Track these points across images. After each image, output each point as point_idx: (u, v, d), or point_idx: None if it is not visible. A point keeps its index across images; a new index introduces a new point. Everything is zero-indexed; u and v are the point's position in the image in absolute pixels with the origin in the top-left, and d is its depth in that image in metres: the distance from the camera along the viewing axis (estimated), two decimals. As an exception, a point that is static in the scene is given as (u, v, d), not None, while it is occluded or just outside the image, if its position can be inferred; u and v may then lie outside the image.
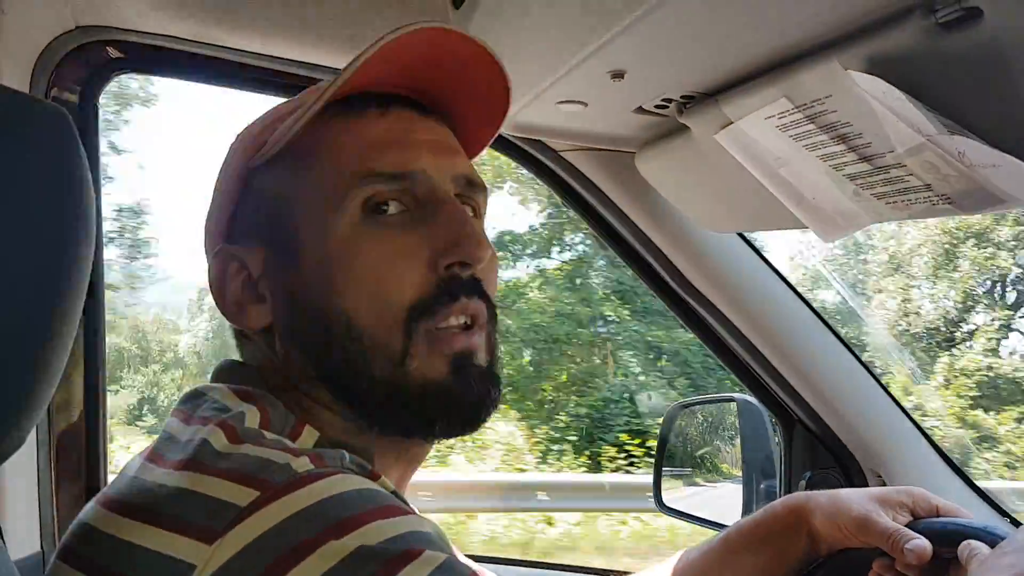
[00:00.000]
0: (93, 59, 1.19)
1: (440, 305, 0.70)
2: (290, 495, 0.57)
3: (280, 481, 0.58)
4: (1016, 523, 1.35)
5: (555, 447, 9.28)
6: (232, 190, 0.77)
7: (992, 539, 0.84)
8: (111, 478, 1.24)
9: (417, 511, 0.64)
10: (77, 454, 1.22)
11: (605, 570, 1.74)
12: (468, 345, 0.72)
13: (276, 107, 0.79)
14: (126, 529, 0.61)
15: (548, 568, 1.72)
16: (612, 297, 11.19)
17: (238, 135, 0.78)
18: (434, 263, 0.70)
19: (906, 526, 0.91)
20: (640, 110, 1.09)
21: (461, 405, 0.71)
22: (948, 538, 0.88)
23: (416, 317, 0.69)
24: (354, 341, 0.70)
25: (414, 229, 0.71)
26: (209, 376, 0.79)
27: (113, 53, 1.20)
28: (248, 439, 0.63)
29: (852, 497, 0.95)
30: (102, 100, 1.22)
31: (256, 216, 0.76)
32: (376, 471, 0.65)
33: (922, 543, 0.87)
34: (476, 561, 1.07)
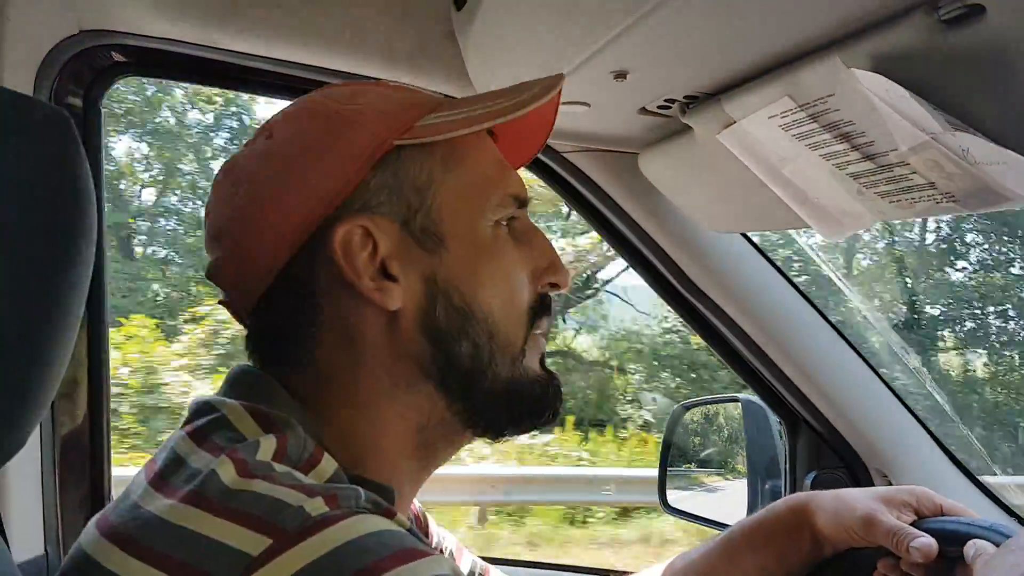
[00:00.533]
0: (97, 63, 1.20)
1: (541, 315, 0.79)
2: (304, 542, 0.55)
3: (293, 528, 0.55)
4: (1022, 522, 1.35)
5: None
6: (365, 158, 0.73)
7: (998, 538, 0.83)
8: (114, 481, 1.25)
9: (432, 549, 0.64)
10: (81, 457, 1.22)
11: (607, 570, 1.74)
12: (545, 347, 0.82)
13: (407, 90, 0.81)
14: (124, 567, 0.58)
15: (555, 569, 1.72)
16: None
17: (361, 103, 0.76)
18: (535, 279, 0.79)
19: (911, 525, 0.91)
20: (643, 111, 1.09)
21: (560, 398, 0.81)
22: (953, 537, 0.88)
23: (531, 321, 0.78)
24: (488, 336, 0.74)
25: (519, 245, 0.79)
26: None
27: (117, 57, 1.20)
28: (258, 473, 0.60)
29: (856, 497, 0.95)
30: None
31: (393, 193, 0.73)
32: (392, 509, 0.62)
33: (927, 541, 0.87)
34: (489, 562, 1.07)
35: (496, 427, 0.78)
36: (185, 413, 0.72)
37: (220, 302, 0.80)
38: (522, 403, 0.77)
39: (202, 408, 0.70)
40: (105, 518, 0.64)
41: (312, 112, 0.76)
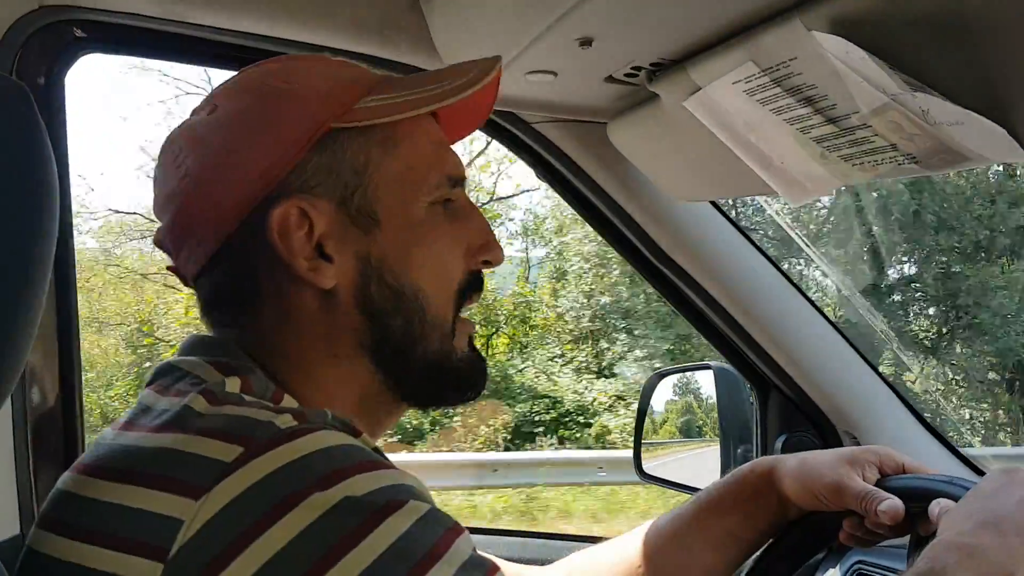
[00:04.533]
0: (59, 39, 1.18)
1: (471, 293, 0.81)
2: (275, 450, 0.59)
3: (264, 437, 0.60)
4: (982, 475, 1.38)
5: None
6: (304, 140, 0.74)
7: (958, 491, 0.85)
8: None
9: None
10: (54, 437, 1.21)
11: (581, 536, 1.75)
12: (474, 329, 0.84)
13: (346, 67, 0.81)
14: (107, 491, 0.62)
15: (530, 536, 1.74)
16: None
17: (300, 82, 0.77)
18: (468, 257, 0.81)
19: (876, 483, 0.93)
20: (610, 79, 1.09)
21: (484, 376, 0.84)
22: (916, 493, 0.90)
23: (460, 300, 0.80)
24: (419, 313, 0.77)
25: (455, 223, 0.80)
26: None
27: (79, 33, 1.18)
28: (229, 401, 0.65)
29: (822, 461, 0.96)
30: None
31: (331, 174, 0.75)
32: (358, 428, 0.67)
33: (894, 503, 0.89)
34: (478, 533, 1.08)
35: (423, 399, 0.82)
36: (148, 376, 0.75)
37: (168, 268, 0.82)
38: (447, 378, 0.80)
39: (164, 368, 0.74)
40: (80, 462, 0.68)
41: (252, 89, 0.78)
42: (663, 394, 1.71)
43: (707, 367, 1.59)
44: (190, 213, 0.75)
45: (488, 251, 0.82)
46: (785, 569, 1.01)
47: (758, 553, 1.02)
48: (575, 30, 0.93)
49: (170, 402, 0.67)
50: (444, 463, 7.56)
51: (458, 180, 0.81)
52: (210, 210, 0.74)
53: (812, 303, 1.45)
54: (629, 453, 1.66)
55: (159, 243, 0.81)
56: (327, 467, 0.59)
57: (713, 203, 1.40)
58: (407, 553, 0.58)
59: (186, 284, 0.81)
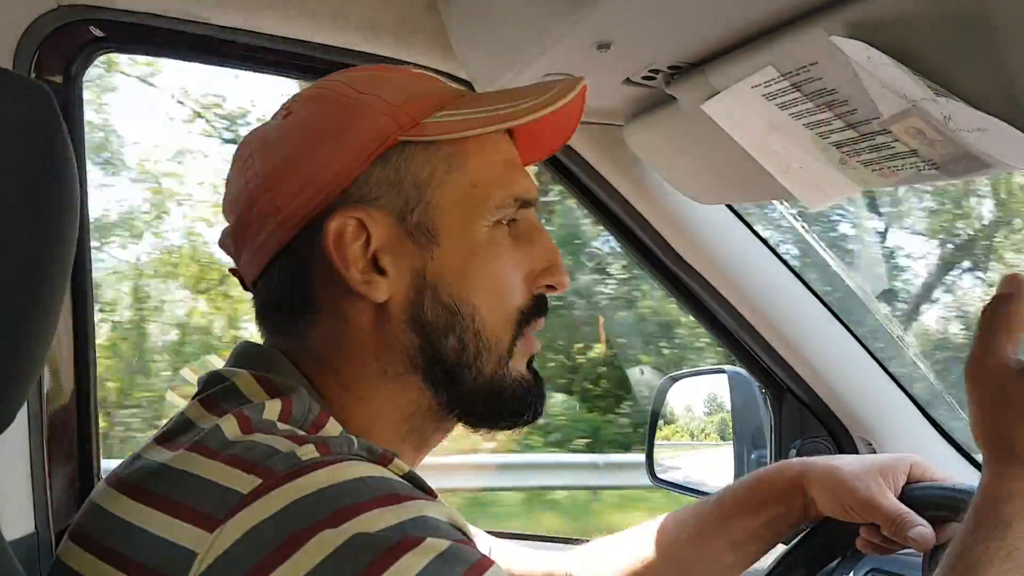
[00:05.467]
0: (77, 38, 1.18)
1: (534, 317, 0.79)
2: (291, 483, 0.58)
3: (283, 469, 0.58)
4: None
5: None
6: (369, 151, 0.74)
7: None
8: (103, 459, 1.25)
9: (436, 493, 0.65)
10: (69, 435, 1.22)
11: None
12: (536, 350, 0.82)
13: (423, 80, 0.81)
14: (133, 511, 0.61)
15: (540, 540, 1.73)
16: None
17: (372, 92, 0.76)
18: (532, 280, 0.79)
19: (903, 488, 0.93)
20: (627, 82, 1.09)
21: (542, 400, 0.82)
22: (938, 502, 0.89)
23: (522, 323, 0.78)
24: (475, 334, 0.75)
25: (519, 245, 0.79)
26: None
27: (96, 32, 1.19)
28: (260, 429, 0.63)
29: (853, 473, 0.95)
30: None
31: (393, 188, 0.74)
32: (388, 454, 0.65)
33: (925, 532, 0.89)
34: (499, 536, 1.08)
35: (476, 420, 0.80)
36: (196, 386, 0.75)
37: (230, 270, 0.83)
38: (503, 402, 0.78)
39: (212, 379, 0.73)
40: (114, 473, 0.68)
41: (326, 97, 0.77)
42: (676, 398, 1.70)
43: (721, 371, 1.58)
44: (253, 216, 0.75)
45: (552, 275, 0.80)
46: (802, 575, 1.01)
47: (774, 560, 1.01)
48: (593, 34, 0.92)
49: (209, 420, 0.66)
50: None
51: (526, 201, 0.79)
52: (272, 214, 0.74)
53: (828, 307, 1.44)
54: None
55: (223, 245, 0.81)
56: (341, 502, 0.57)
57: (729, 206, 1.40)
58: None
59: (245, 288, 0.81)
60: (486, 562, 0.59)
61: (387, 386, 0.76)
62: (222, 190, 0.81)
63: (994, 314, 0.72)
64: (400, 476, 0.63)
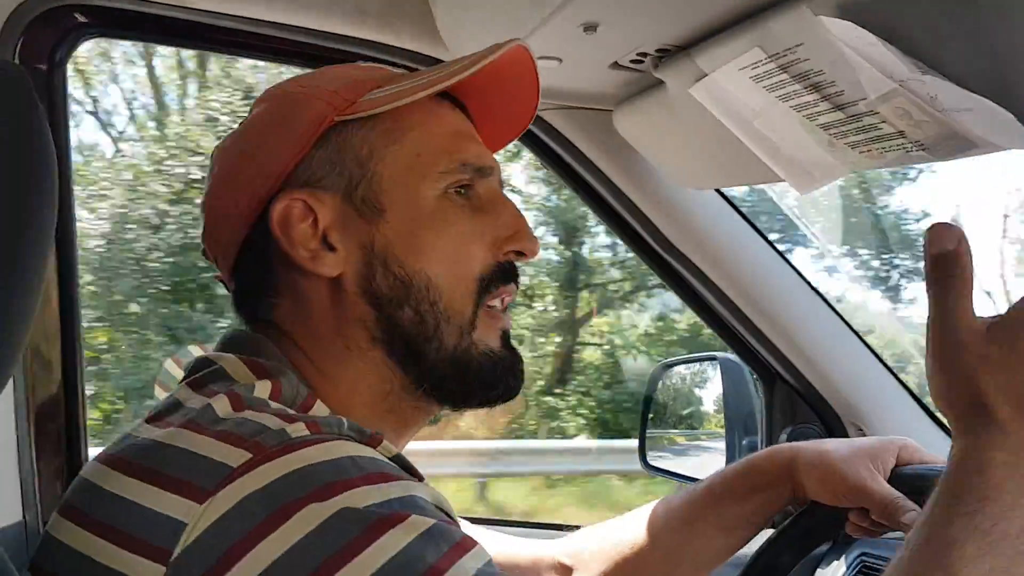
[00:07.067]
0: (61, 23, 1.17)
1: (496, 285, 0.79)
2: (282, 458, 0.58)
3: (274, 444, 0.59)
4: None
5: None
6: (308, 136, 0.77)
7: None
8: (91, 447, 1.25)
9: (423, 477, 0.65)
10: (57, 423, 1.22)
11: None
12: (509, 324, 0.82)
13: (364, 68, 0.83)
14: (122, 485, 0.62)
15: (530, 527, 1.73)
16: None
17: (313, 84, 0.79)
18: (496, 247, 0.79)
19: (893, 471, 0.93)
20: (615, 65, 1.08)
21: (515, 375, 0.81)
22: (927, 484, 0.89)
23: (482, 291, 0.78)
24: (431, 304, 0.76)
25: (479, 214, 0.79)
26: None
27: (81, 17, 1.18)
28: (251, 406, 0.64)
29: (843, 458, 0.95)
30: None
31: (335, 167, 0.77)
32: (378, 435, 0.66)
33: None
34: (476, 523, 1.08)
35: (450, 397, 0.80)
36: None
37: (216, 277, 0.86)
38: (471, 375, 0.78)
39: (200, 363, 0.74)
40: (104, 452, 0.68)
41: (273, 96, 0.82)
42: (668, 384, 1.70)
43: (713, 358, 1.58)
44: (216, 218, 0.80)
45: (517, 241, 0.80)
46: (790, 560, 1.01)
47: (762, 544, 1.01)
48: (580, 15, 0.92)
49: (200, 400, 0.67)
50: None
51: (479, 168, 0.80)
52: (231, 212, 0.78)
53: (818, 293, 1.44)
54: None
55: (204, 252, 0.85)
56: (329, 477, 0.58)
57: (719, 191, 1.39)
58: (404, 570, 0.55)
59: (225, 285, 0.84)
60: (470, 542, 0.59)
61: (354, 364, 0.77)
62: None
63: (944, 274, 0.62)
64: (388, 458, 0.64)
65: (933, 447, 0.98)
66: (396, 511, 0.57)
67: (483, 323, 0.79)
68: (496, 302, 0.80)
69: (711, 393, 1.65)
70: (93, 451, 1.25)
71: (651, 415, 1.65)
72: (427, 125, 0.79)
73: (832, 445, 0.98)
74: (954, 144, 0.79)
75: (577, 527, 1.13)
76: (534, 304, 8.54)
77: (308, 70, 0.94)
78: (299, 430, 0.61)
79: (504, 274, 0.80)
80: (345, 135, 0.77)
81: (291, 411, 0.65)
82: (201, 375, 0.72)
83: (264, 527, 0.55)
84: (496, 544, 1.07)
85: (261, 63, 7.28)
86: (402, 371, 0.77)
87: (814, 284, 1.44)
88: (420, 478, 0.65)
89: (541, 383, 8.28)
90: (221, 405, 0.64)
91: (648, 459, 1.59)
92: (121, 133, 8.53)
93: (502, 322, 0.81)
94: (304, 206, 0.76)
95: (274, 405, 0.66)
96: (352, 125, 0.77)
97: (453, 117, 0.82)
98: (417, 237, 0.76)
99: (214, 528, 0.56)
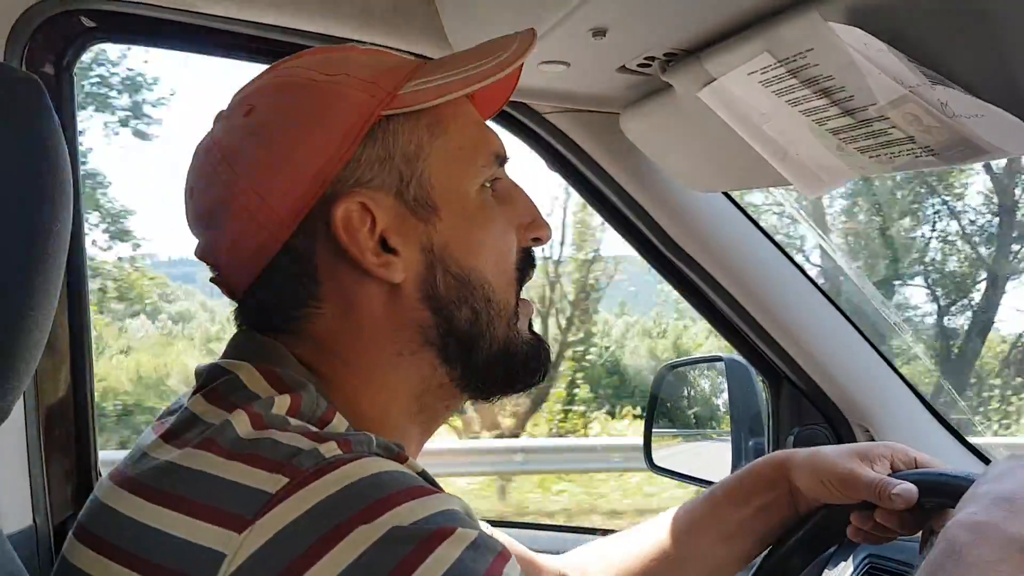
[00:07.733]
0: (68, 29, 1.17)
1: (527, 273, 0.80)
2: (319, 480, 0.57)
3: (309, 467, 0.58)
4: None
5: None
6: (356, 132, 0.71)
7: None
8: (100, 452, 1.25)
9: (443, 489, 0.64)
10: (66, 428, 1.22)
11: (595, 528, 1.75)
12: (532, 312, 0.82)
13: (382, 54, 0.79)
14: (148, 513, 0.60)
15: (541, 528, 1.74)
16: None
17: (340, 72, 0.73)
18: (520, 236, 0.79)
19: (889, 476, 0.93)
20: (623, 69, 1.08)
21: (549, 358, 0.82)
22: (928, 487, 0.89)
23: (520, 281, 0.79)
24: (487, 301, 0.75)
25: (504, 205, 0.78)
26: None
27: (88, 22, 1.18)
28: (272, 425, 0.62)
29: (833, 454, 0.97)
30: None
31: (384, 165, 0.72)
32: (404, 453, 0.65)
33: (908, 487, 0.89)
34: (492, 525, 1.08)
35: (490, 389, 0.79)
36: (194, 379, 0.73)
37: (212, 279, 0.79)
38: (516, 364, 0.78)
39: (214, 371, 0.70)
40: (118, 471, 0.66)
41: (291, 84, 0.74)
42: (674, 385, 1.70)
43: (718, 359, 1.58)
44: (241, 223, 0.72)
45: (536, 228, 0.80)
46: (798, 564, 1.01)
47: (769, 549, 1.02)
48: (589, 20, 0.92)
49: (217, 415, 0.64)
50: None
51: (503, 158, 0.79)
52: (263, 217, 0.71)
53: (825, 294, 1.44)
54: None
55: (203, 256, 0.78)
56: (372, 496, 0.57)
57: (726, 194, 1.39)
58: None
59: (233, 297, 0.78)
60: (507, 551, 0.60)
61: (401, 367, 0.75)
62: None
63: None
64: (416, 474, 0.63)
65: (939, 449, 0.99)
66: (442, 525, 0.57)
67: (521, 313, 0.79)
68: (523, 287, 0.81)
69: (717, 394, 1.65)
70: (103, 455, 1.26)
71: (657, 415, 1.65)
72: (459, 117, 0.77)
73: (825, 447, 1.00)
74: (964, 150, 0.79)
75: (612, 531, 1.14)
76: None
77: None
78: (331, 449, 0.59)
79: (530, 262, 0.81)
80: (392, 130, 0.73)
81: (314, 428, 0.63)
82: (216, 385, 0.68)
83: (316, 550, 0.54)
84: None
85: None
86: (447, 369, 0.76)
87: (820, 285, 1.44)
88: (442, 491, 0.64)
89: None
90: (240, 423, 0.62)
91: (654, 459, 1.59)
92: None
93: (530, 308, 0.81)
94: (362, 208, 0.71)
95: (294, 422, 0.63)
96: (396, 120, 0.73)
97: (470, 107, 0.80)
98: (470, 235, 0.75)
99: (258, 556, 0.55)
